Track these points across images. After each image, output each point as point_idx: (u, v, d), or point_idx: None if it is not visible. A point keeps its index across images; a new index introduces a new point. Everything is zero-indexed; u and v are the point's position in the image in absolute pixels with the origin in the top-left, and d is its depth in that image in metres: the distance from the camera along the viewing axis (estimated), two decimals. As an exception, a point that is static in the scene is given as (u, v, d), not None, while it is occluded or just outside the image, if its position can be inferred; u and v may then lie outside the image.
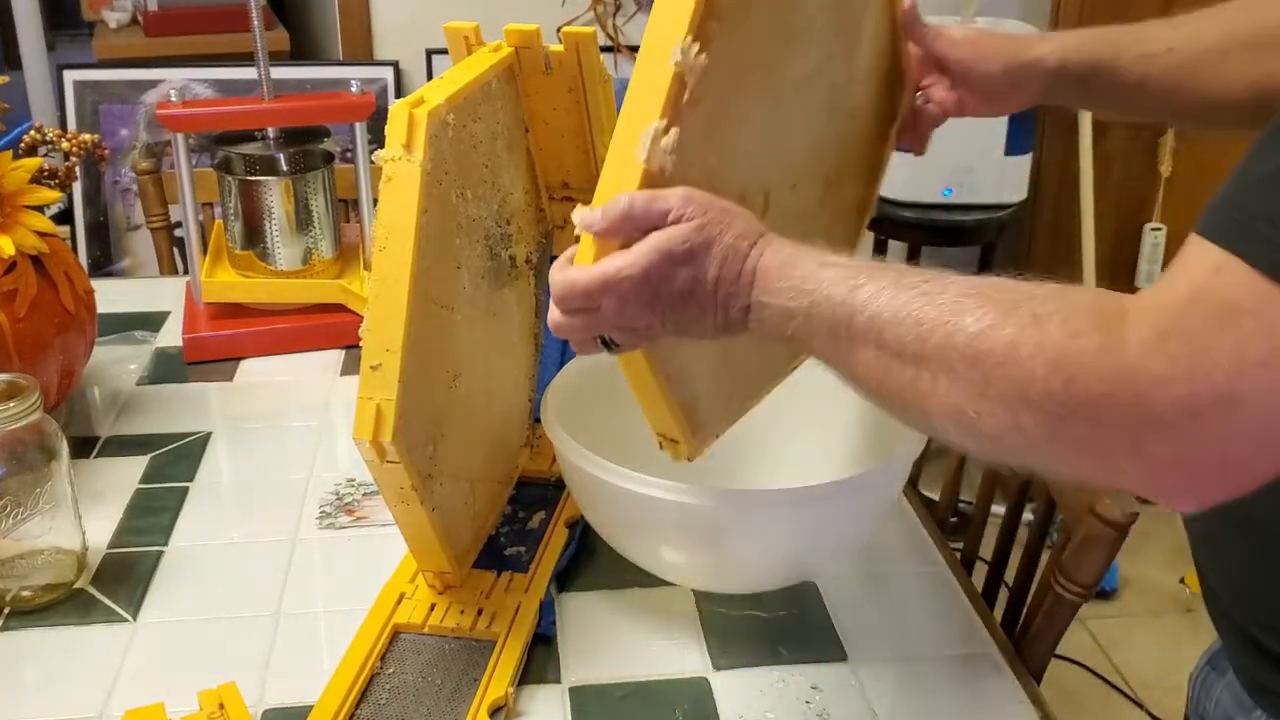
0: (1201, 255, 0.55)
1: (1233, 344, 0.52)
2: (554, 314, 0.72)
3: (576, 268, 0.70)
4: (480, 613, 0.92)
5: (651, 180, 0.68)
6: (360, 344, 0.81)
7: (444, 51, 1.29)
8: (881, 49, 0.93)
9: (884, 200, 2.29)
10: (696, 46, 0.68)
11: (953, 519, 1.28)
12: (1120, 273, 2.45)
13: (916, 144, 0.99)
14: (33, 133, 1.24)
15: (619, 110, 0.72)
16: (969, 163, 2.16)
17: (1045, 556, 1.02)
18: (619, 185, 0.68)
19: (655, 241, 0.68)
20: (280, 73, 2.01)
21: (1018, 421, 0.57)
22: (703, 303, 0.69)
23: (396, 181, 0.81)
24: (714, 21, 0.70)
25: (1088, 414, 0.55)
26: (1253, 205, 0.54)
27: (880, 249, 2.42)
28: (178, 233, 1.85)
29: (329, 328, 1.41)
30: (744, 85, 0.76)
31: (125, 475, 1.15)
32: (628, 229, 0.69)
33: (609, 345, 0.72)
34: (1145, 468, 0.55)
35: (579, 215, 0.69)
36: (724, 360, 0.83)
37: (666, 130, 0.68)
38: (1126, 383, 0.54)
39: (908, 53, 0.95)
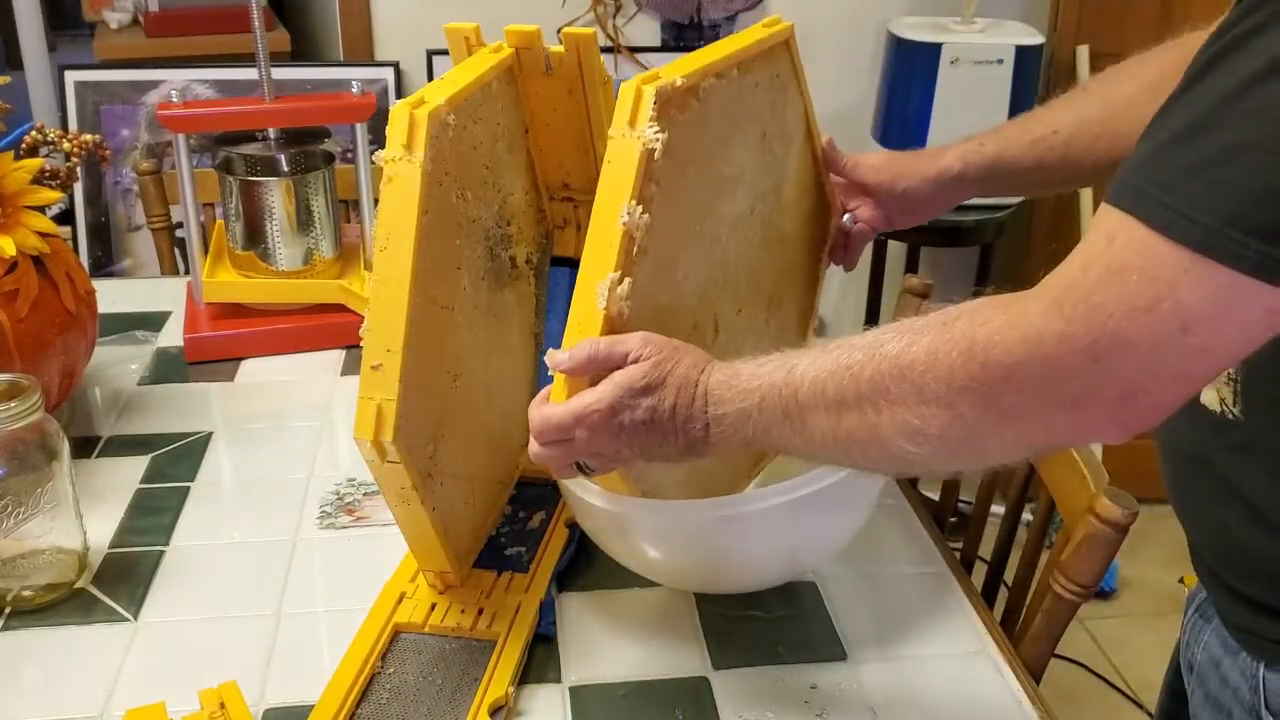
0: (1100, 225, 0.62)
1: (1120, 296, 0.59)
2: (533, 446, 0.81)
3: (551, 405, 0.79)
4: (480, 612, 0.92)
5: (611, 324, 0.78)
6: (361, 344, 0.82)
7: (444, 52, 1.29)
8: (807, 181, 1.05)
9: (884, 201, 2.29)
10: (640, 208, 0.79)
11: (953, 519, 1.28)
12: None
13: (847, 261, 1.14)
14: (34, 133, 1.24)
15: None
16: (969, 163, 2.16)
17: (1044, 556, 1.02)
18: (584, 331, 0.78)
19: (618, 379, 0.77)
20: (281, 73, 2.01)
21: (957, 413, 0.65)
22: (664, 428, 0.78)
23: (397, 182, 0.82)
24: (653, 184, 0.81)
25: (1009, 384, 0.63)
26: (1146, 171, 0.61)
27: (880, 249, 2.42)
28: (179, 233, 1.86)
29: (330, 328, 1.41)
30: (685, 232, 0.87)
31: (126, 475, 1.15)
32: (593, 369, 0.78)
33: (584, 470, 0.81)
34: (1070, 417, 0.63)
35: (551, 358, 0.79)
36: (692, 475, 0.92)
37: (621, 280, 0.78)
38: (1034, 347, 0.62)
39: (830, 182, 1.09)
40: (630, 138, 0.80)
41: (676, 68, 0.85)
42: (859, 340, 0.72)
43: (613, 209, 0.79)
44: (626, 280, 0.79)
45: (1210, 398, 0.80)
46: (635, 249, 0.80)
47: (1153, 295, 0.59)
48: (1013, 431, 0.66)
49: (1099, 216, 0.63)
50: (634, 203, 0.79)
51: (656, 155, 0.80)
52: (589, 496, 0.87)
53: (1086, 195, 2.31)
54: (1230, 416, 0.78)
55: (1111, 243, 0.61)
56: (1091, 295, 0.60)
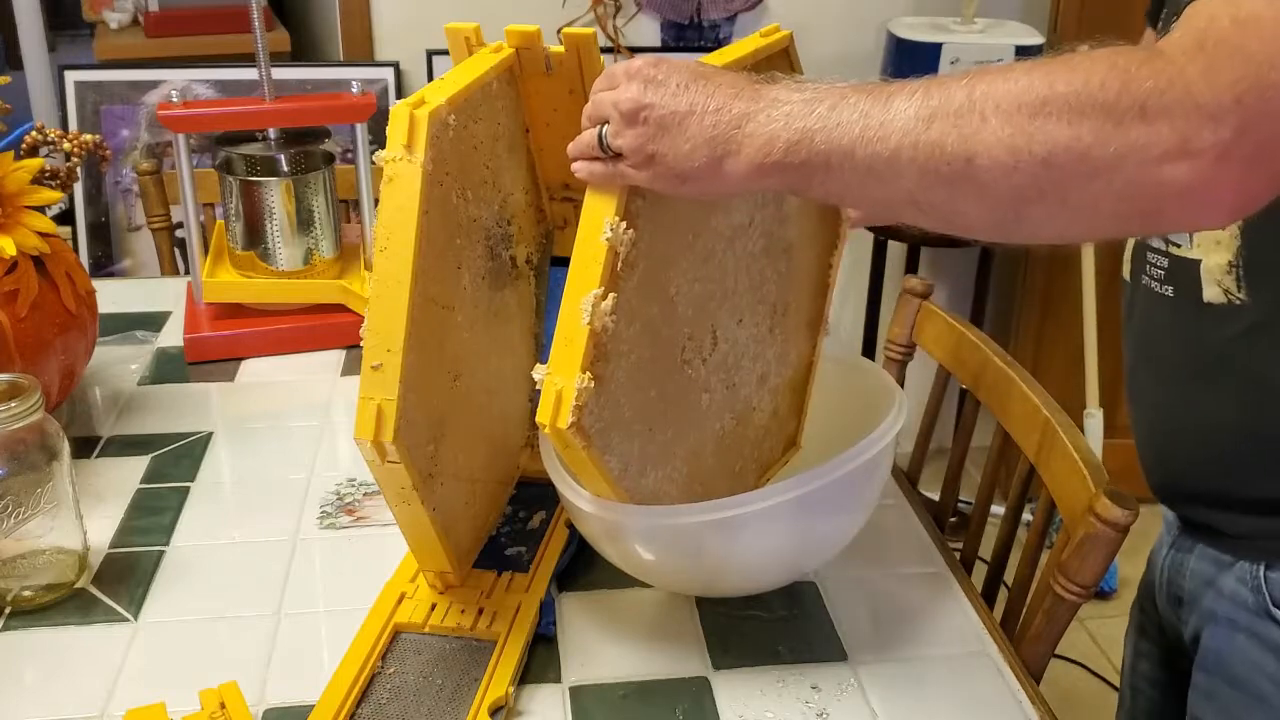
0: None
1: (1259, 41, 0.57)
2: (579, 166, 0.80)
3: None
4: (481, 612, 0.92)
5: (596, 339, 0.78)
6: (361, 344, 0.81)
7: (445, 52, 1.29)
8: None
9: (884, 201, 2.29)
10: (624, 224, 0.79)
11: (953, 519, 1.28)
12: (1120, 273, 2.45)
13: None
14: (34, 133, 1.24)
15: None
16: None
17: (1045, 557, 1.02)
18: (569, 344, 0.78)
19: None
20: (281, 73, 2.01)
21: (1076, 133, 0.60)
22: (709, 84, 0.73)
23: (397, 182, 0.82)
24: (639, 200, 0.81)
25: (1142, 112, 0.59)
26: None
27: (880, 249, 2.42)
28: (179, 233, 1.86)
29: (330, 328, 1.41)
30: (676, 246, 0.87)
31: (126, 475, 1.15)
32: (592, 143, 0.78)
33: (605, 149, 0.78)
34: (1194, 165, 0.59)
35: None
36: (690, 486, 0.92)
37: (605, 296, 0.78)
38: (1176, 79, 0.58)
39: None
40: None
41: None
42: (978, 67, 0.66)
43: (597, 224, 0.79)
44: (611, 296, 0.79)
45: (1213, 292, 0.83)
46: (620, 264, 0.80)
47: None
48: (1122, 179, 0.60)
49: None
50: (618, 218, 0.79)
51: None
52: (582, 502, 0.87)
53: (1086, 195, 2.31)
54: (1237, 302, 0.80)
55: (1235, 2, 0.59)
56: (1231, 38, 0.58)
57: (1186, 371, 0.87)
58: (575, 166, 0.80)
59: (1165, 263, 0.90)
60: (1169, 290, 0.90)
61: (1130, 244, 0.96)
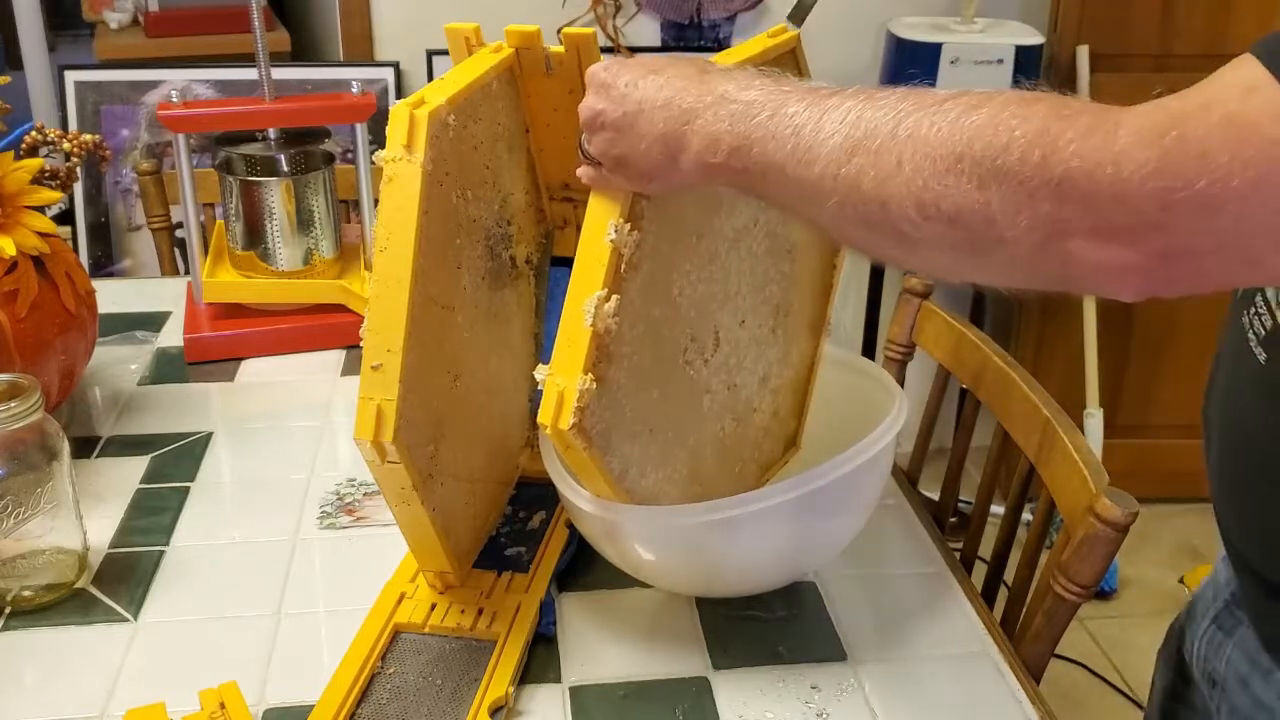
0: (1237, 74, 0.54)
1: (1235, 155, 0.51)
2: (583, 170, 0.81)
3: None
4: (481, 613, 0.92)
5: (599, 340, 0.79)
6: (361, 344, 0.81)
7: (444, 52, 1.29)
8: None
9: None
10: (629, 226, 0.79)
11: (952, 519, 1.28)
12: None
13: None
14: (34, 133, 1.24)
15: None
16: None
17: (1045, 557, 1.02)
18: (571, 345, 0.79)
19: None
20: (281, 73, 2.01)
21: (985, 198, 0.57)
22: (668, 75, 0.73)
23: (397, 182, 0.82)
24: (644, 201, 0.81)
25: (1059, 190, 0.55)
26: None
27: (880, 249, 2.42)
28: (179, 233, 1.86)
29: (330, 328, 1.41)
30: (680, 247, 0.87)
31: (126, 475, 1.15)
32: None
33: (587, 155, 0.79)
34: (1100, 257, 0.56)
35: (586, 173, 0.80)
36: (689, 488, 0.91)
37: (608, 298, 0.79)
38: (1108, 164, 0.54)
39: None
40: None
41: None
42: (919, 90, 0.62)
43: (601, 226, 0.79)
44: (614, 298, 0.79)
45: None
46: (624, 266, 0.80)
47: (1271, 166, 0.51)
48: (1025, 245, 0.57)
49: (1240, 65, 0.54)
50: (622, 220, 0.79)
51: None
52: (583, 503, 0.87)
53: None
54: None
55: (1249, 95, 0.52)
56: (1205, 140, 0.52)
57: (1259, 439, 0.77)
58: (578, 171, 0.81)
59: (1269, 323, 0.75)
60: (1261, 355, 0.76)
61: None
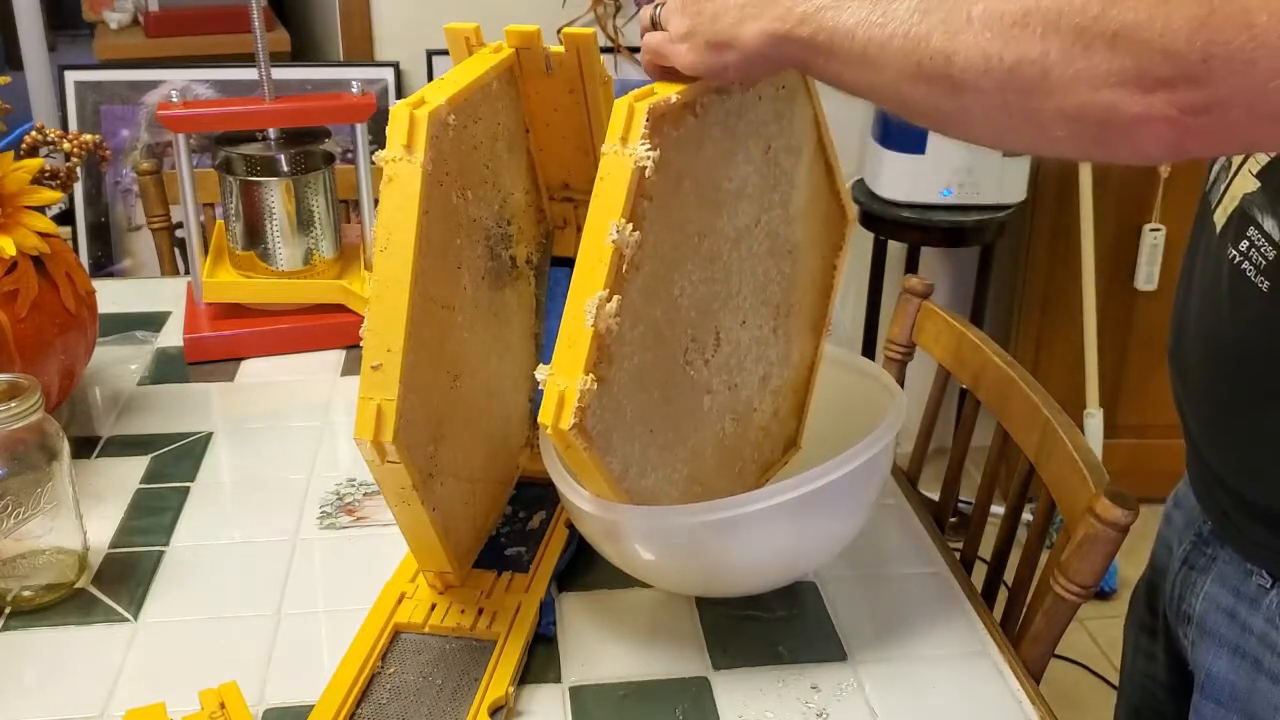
0: None
1: (1273, 14, 0.55)
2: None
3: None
4: (481, 613, 0.92)
5: (600, 341, 0.78)
6: (361, 344, 0.81)
7: (444, 52, 1.29)
8: (818, 190, 1.04)
9: (884, 201, 2.29)
10: (630, 225, 0.79)
11: (952, 519, 1.28)
12: (1120, 273, 2.45)
13: None
14: (34, 133, 1.24)
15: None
16: (969, 163, 2.16)
17: (1045, 557, 1.02)
18: (572, 345, 0.79)
19: None
20: (281, 73, 2.01)
21: (1044, 48, 0.61)
22: None
23: (397, 182, 0.82)
24: (645, 201, 0.80)
25: (1113, 41, 0.59)
26: None
27: (880, 249, 2.42)
28: (179, 233, 1.86)
29: (330, 328, 1.41)
30: (682, 247, 0.87)
31: (126, 475, 1.15)
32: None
33: (653, 22, 0.83)
34: (1138, 108, 0.59)
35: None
36: (690, 488, 0.91)
37: (609, 298, 0.78)
38: (1159, 19, 0.57)
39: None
40: (622, 154, 0.79)
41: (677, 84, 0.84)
42: None
43: (603, 226, 0.79)
44: (616, 298, 0.79)
45: None
46: (626, 266, 0.80)
47: None
48: (1075, 99, 0.61)
49: None
50: (624, 220, 0.79)
51: (648, 173, 0.79)
52: (583, 503, 0.87)
53: (1087, 197, 2.31)
54: None
55: None
56: (1248, 1, 0.55)
57: (1243, 357, 0.82)
58: (644, 39, 0.84)
59: (1272, 254, 0.81)
60: (1264, 283, 0.81)
61: (1230, 198, 0.87)
